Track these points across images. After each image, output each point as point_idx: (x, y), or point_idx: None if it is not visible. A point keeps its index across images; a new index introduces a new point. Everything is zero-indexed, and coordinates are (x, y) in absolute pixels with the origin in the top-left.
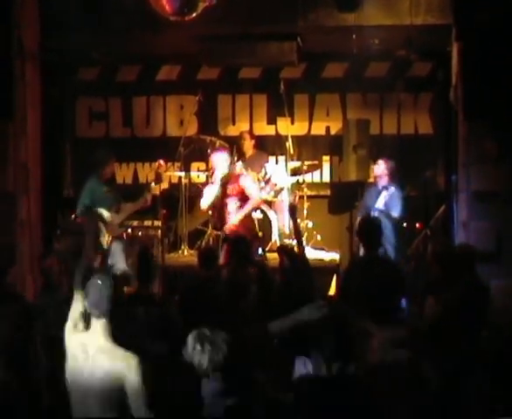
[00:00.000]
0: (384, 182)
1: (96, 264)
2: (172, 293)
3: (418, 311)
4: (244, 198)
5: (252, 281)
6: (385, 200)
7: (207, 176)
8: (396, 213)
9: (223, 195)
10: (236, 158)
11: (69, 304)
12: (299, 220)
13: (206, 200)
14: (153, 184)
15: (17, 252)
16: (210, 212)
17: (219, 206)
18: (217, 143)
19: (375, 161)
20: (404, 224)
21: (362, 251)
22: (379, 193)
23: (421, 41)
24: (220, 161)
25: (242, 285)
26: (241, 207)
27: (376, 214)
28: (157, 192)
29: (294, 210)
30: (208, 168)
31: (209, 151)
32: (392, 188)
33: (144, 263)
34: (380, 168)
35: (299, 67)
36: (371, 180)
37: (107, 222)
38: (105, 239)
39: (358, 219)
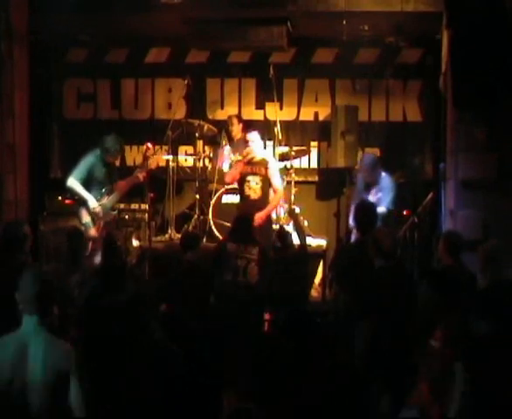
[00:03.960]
0: (369, 177)
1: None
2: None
3: None
4: (265, 180)
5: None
6: (376, 194)
7: (195, 160)
8: (384, 205)
9: (247, 171)
10: (224, 142)
11: None
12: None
13: (232, 174)
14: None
15: None
16: (197, 196)
17: (240, 181)
18: (206, 127)
19: (363, 148)
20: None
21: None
22: (369, 186)
23: (411, 28)
24: (251, 139)
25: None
26: (262, 188)
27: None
28: (153, 166)
29: (293, 215)
30: (195, 151)
31: (197, 135)
32: (382, 181)
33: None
34: (362, 167)
35: (288, 52)
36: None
37: (91, 210)
38: (95, 228)
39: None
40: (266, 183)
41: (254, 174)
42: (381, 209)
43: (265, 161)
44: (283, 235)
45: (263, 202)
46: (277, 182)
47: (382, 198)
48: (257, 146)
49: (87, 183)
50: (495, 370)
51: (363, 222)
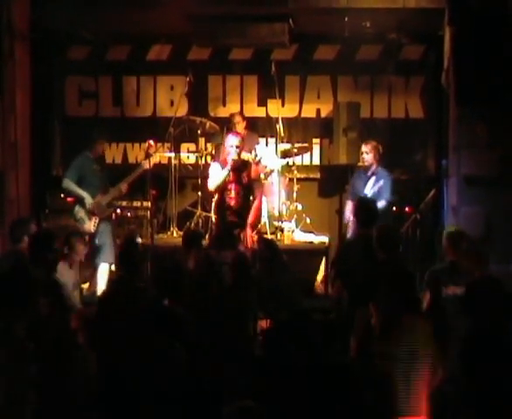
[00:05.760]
0: (373, 167)
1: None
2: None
3: None
4: (246, 188)
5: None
6: (375, 185)
7: (197, 157)
8: (384, 199)
9: (232, 180)
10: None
11: None
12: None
13: (215, 181)
14: (143, 163)
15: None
16: (199, 193)
17: (222, 190)
18: (208, 124)
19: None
20: (394, 208)
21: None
22: (368, 178)
23: (413, 24)
24: (234, 143)
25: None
26: (243, 197)
27: None
28: (148, 166)
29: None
30: (198, 148)
31: (199, 132)
32: (382, 173)
33: (128, 251)
34: (369, 156)
35: (290, 49)
36: (361, 163)
37: (87, 207)
38: (91, 223)
39: (348, 203)
40: (247, 191)
41: (235, 182)
42: (381, 204)
43: (248, 165)
44: (269, 243)
45: (244, 210)
46: (257, 189)
47: (382, 190)
48: (236, 150)
49: (81, 182)
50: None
51: (364, 217)
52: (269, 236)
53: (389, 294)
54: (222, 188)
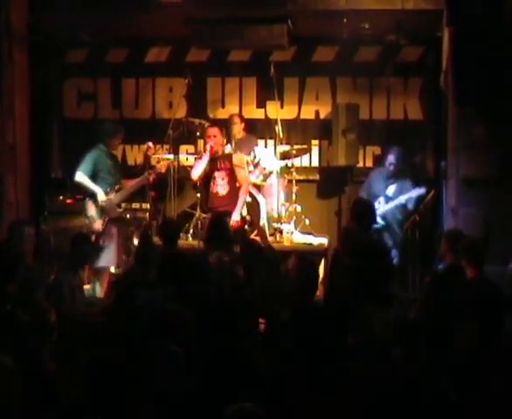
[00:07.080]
0: (395, 171)
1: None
2: None
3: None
4: (231, 174)
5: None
6: (396, 190)
7: (196, 159)
8: (411, 204)
9: (212, 168)
10: (225, 140)
11: None
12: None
13: (197, 170)
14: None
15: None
16: (198, 195)
17: (207, 179)
18: (207, 126)
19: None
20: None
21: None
22: (390, 183)
23: (412, 26)
24: (213, 134)
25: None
26: (229, 183)
27: (389, 205)
28: (163, 170)
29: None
30: (196, 150)
31: (198, 134)
32: (406, 183)
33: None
34: (393, 159)
35: (289, 50)
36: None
37: (99, 204)
38: (101, 222)
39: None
40: (233, 177)
41: (219, 169)
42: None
43: (228, 155)
44: (250, 245)
45: (232, 196)
46: (240, 174)
47: (412, 197)
48: (218, 141)
49: (94, 177)
50: None
51: (365, 218)
52: (269, 238)
53: None
54: (207, 178)
